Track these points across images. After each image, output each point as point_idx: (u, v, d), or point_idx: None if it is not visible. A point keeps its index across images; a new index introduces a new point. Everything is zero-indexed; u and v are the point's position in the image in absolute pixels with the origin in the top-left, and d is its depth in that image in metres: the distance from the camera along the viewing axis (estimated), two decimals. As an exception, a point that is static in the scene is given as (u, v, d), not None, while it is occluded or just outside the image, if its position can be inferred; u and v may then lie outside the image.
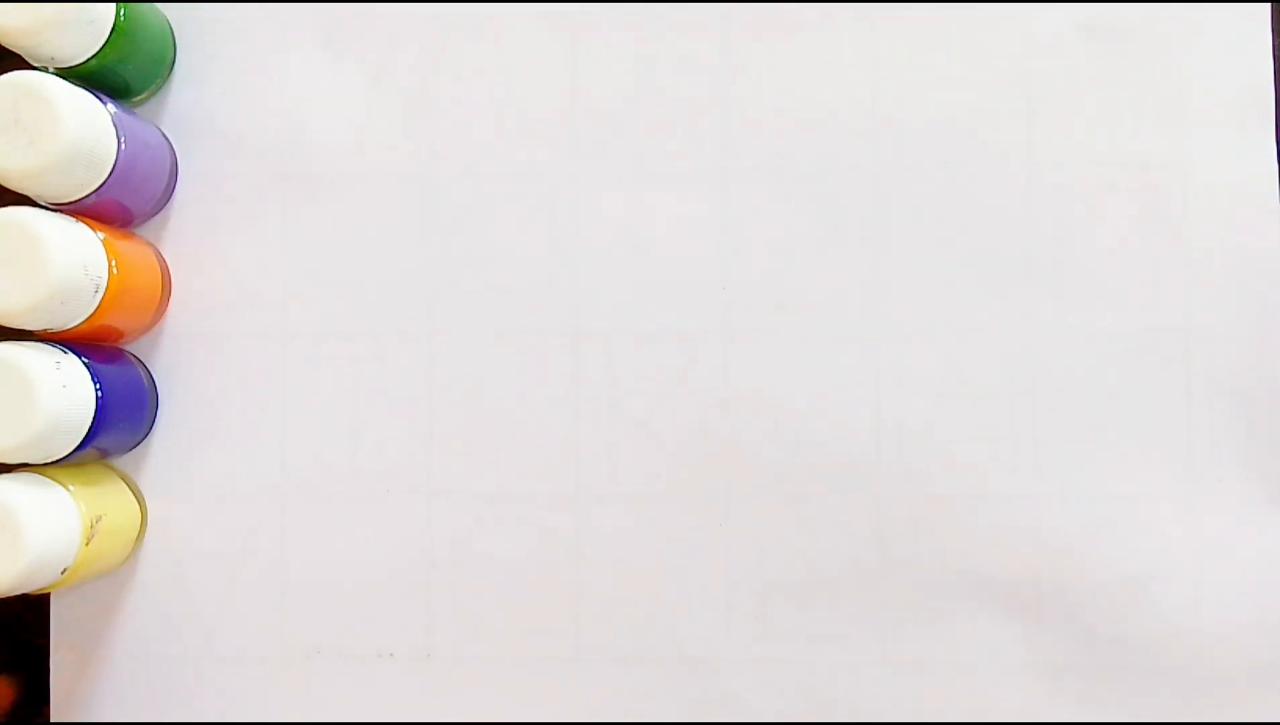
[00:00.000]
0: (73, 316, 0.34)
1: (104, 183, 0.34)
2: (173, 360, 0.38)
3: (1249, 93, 0.37)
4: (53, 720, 0.38)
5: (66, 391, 0.33)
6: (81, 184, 0.34)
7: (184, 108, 0.39)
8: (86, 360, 0.34)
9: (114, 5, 0.35)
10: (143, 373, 0.38)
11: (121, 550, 0.37)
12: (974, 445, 0.37)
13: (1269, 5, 0.37)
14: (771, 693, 0.37)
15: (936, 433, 0.37)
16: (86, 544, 0.34)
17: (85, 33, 0.34)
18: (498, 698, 0.38)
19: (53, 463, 0.34)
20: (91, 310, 0.34)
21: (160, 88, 0.39)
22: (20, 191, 0.33)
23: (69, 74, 0.35)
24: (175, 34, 0.39)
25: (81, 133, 0.33)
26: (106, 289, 0.34)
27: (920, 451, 0.37)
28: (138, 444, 0.38)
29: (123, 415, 0.36)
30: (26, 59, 0.35)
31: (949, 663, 0.37)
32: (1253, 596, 0.37)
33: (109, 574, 0.38)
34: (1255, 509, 0.37)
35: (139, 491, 0.38)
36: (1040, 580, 0.37)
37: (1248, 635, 0.37)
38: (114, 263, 0.34)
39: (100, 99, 0.34)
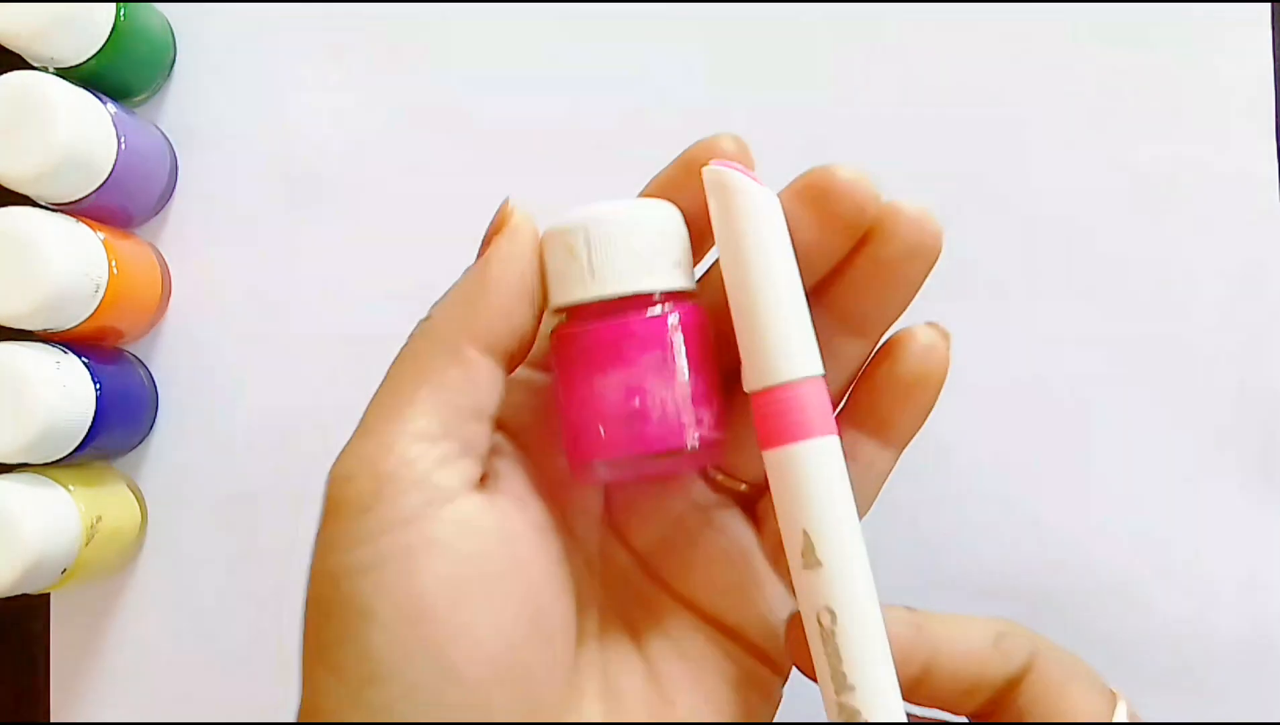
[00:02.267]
0: (72, 317, 0.34)
1: (103, 183, 0.34)
2: (173, 360, 0.38)
3: (1249, 93, 0.37)
4: (53, 720, 0.38)
5: (66, 391, 0.33)
6: (81, 184, 0.34)
7: (184, 108, 0.39)
8: (86, 360, 0.34)
9: (114, 5, 0.35)
10: (143, 373, 0.38)
11: (121, 550, 0.37)
12: (974, 445, 0.37)
13: (1269, 5, 0.37)
14: (771, 693, 0.37)
15: (937, 433, 0.37)
16: (86, 544, 0.34)
17: (85, 33, 0.34)
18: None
19: (53, 463, 0.34)
20: (91, 311, 0.34)
21: (160, 88, 0.39)
22: (20, 192, 0.33)
23: (69, 74, 0.35)
24: (175, 34, 0.39)
25: (81, 133, 0.33)
26: (106, 289, 0.34)
27: (921, 452, 0.37)
28: (138, 444, 0.38)
29: (123, 415, 0.36)
30: (26, 59, 0.35)
31: (949, 663, 0.37)
32: (1252, 597, 0.37)
33: (109, 574, 0.38)
34: (1255, 509, 0.37)
35: (139, 491, 0.38)
36: (1040, 580, 0.37)
37: (1246, 635, 0.37)
38: (114, 263, 0.34)
39: (100, 99, 0.34)
